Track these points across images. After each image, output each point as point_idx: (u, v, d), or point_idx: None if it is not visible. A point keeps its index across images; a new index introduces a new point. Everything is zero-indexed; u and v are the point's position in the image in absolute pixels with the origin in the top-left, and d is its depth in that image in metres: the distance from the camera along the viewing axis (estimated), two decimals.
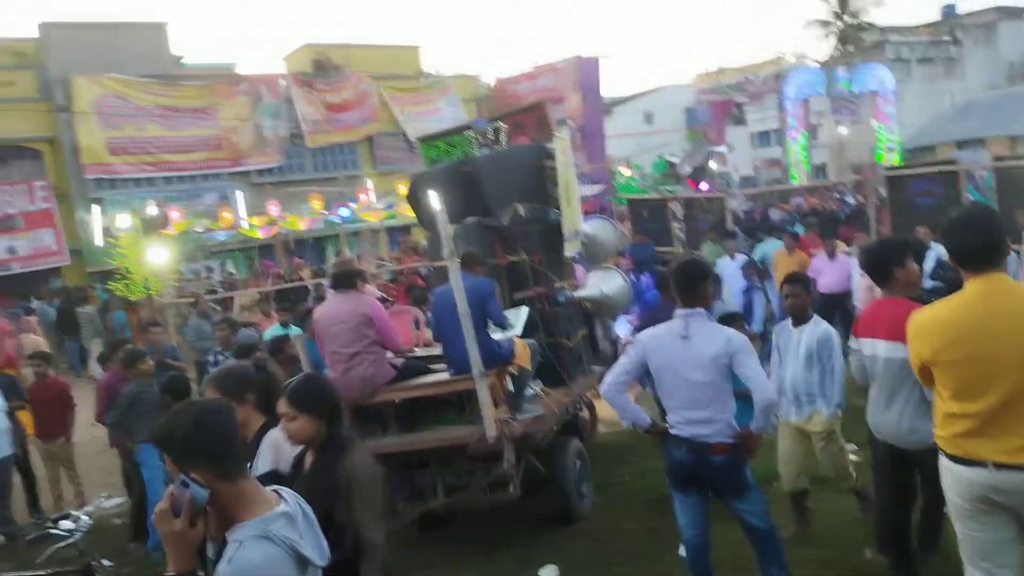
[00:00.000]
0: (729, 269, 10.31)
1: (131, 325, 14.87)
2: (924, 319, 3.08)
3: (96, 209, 20.85)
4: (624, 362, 4.02)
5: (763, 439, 3.96)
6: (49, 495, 7.81)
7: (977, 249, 2.92)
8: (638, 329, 8.95)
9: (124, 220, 17.62)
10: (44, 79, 22.69)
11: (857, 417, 7.07)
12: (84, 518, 4.23)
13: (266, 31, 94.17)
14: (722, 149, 25.24)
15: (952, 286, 8.46)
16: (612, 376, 3.99)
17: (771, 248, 11.55)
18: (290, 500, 2.13)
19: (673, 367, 3.81)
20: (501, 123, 8.04)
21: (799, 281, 5.13)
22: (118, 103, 23.06)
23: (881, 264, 3.95)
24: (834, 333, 4.90)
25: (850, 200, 20.27)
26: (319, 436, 3.04)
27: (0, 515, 7.10)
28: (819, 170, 35.77)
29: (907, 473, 4.06)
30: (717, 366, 3.73)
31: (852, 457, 6.39)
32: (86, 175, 22.61)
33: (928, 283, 7.39)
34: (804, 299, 5.03)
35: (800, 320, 4.97)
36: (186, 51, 35.03)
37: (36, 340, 11.99)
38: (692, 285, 3.87)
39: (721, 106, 35.71)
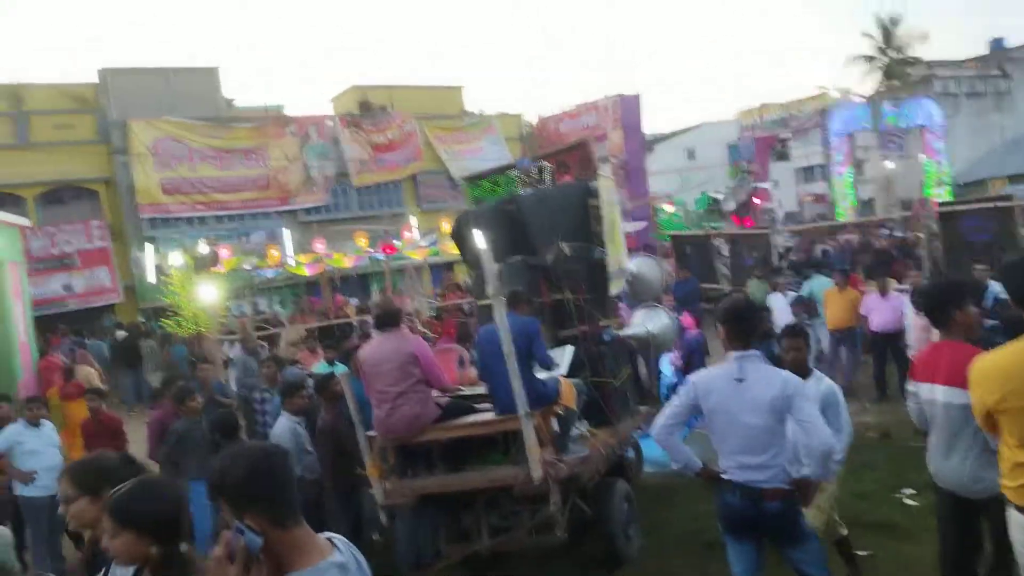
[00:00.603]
0: (779, 305, 10.16)
1: (190, 360, 15.17)
2: (988, 365, 2.97)
3: (149, 248, 21.42)
4: (676, 404, 3.95)
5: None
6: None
7: None
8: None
9: (176, 258, 18.07)
10: (102, 122, 23.58)
11: (914, 460, 6.88)
12: None
13: (315, 73, 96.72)
14: (766, 185, 24.99)
15: (1011, 324, 8.19)
16: (663, 418, 3.92)
17: (820, 285, 11.35)
18: (344, 549, 2.11)
19: (727, 411, 3.73)
20: (545, 162, 8.08)
21: (799, 334, 4.90)
22: (173, 145, 23.84)
23: (940, 306, 3.83)
24: (837, 390, 4.63)
25: (898, 234, 19.91)
26: (151, 558, 2.33)
27: (52, 551, 7.19)
28: (866, 205, 35.23)
29: (972, 522, 3.90)
30: (774, 410, 3.64)
31: (908, 501, 6.19)
32: (141, 214, 23.33)
33: (987, 322, 7.15)
34: (804, 354, 4.83)
35: (800, 377, 4.41)
36: (237, 93, 36.06)
37: (90, 372, 12.27)
38: (741, 325, 3.81)
39: (765, 141, 35.48)
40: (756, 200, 23.17)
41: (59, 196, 23.19)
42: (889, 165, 33.56)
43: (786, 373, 3.78)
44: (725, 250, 18.41)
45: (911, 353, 8.78)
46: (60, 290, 21.26)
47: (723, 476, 3.83)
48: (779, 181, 29.95)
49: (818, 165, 38.25)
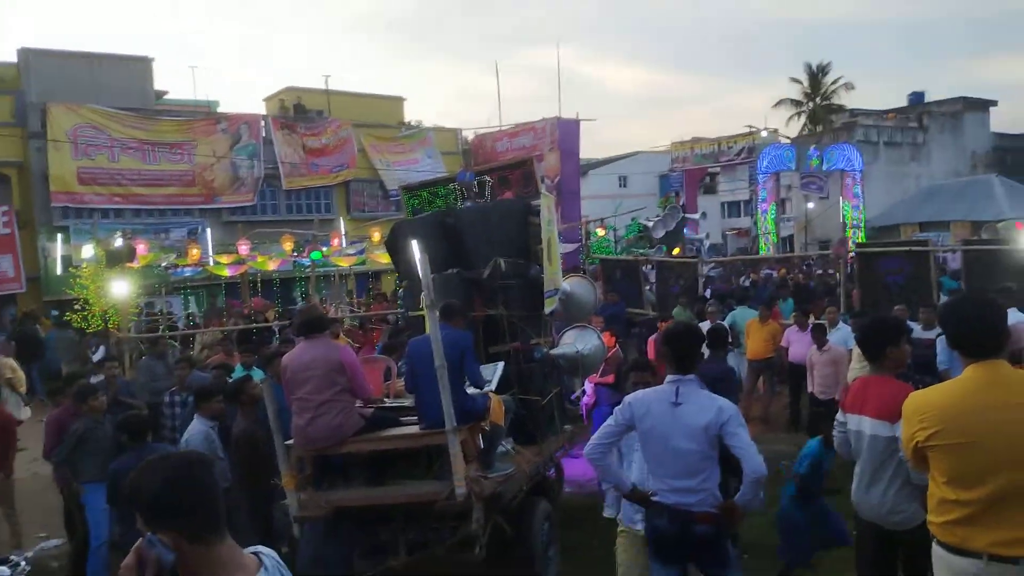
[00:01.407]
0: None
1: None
2: (922, 402, 3.02)
3: (59, 238, 20.37)
4: (611, 424, 3.89)
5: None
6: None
7: (978, 336, 2.90)
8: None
9: (88, 250, 17.21)
10: (20, 104, 22.39)
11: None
12: (22, 563, 3.93)
13: (254, 73, 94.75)
14: (695, 216, 25.59)
15: (922, 364, 8.44)
16: (597, 438, 3.86)
17: (744, 316, 11.62)
18: (271, 567, 1.95)
19: (662, 434, 3.71)
20: (486, 177, 8.02)
21: (646, 368, 4.55)
22: (94, 133, 22.79)
23: (875, 342, 3.90)
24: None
25: (818, 271, 20.60)
26: None
27: None
28: (786, 242, 36.46)
29: (890, 553, 3.96)
30: (707, 436, 3.63)
31: None
32: (53, 203, 22.17)
33: None
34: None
35: None
36: (172, 87, 34.86)
37: (10, 363, 11.54)
38: (686, 350, 3.80)
39: (694, 174, 36.42)
40: (685, 230, 23.68)
41: None
42: (810, 205, 34.89)
43: (722, 400, 3.77)
44: (652, 276, 18.70)
45: (811, 386, 9.13)
46: None
47: (653, 499, 3.79)
48: (706, 213, 30.76)
49: (744, 201, 39.49)
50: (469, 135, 32.24)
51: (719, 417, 3.62)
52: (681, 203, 28.58)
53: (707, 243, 24.24)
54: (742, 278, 21.40)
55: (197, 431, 6.31)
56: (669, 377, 3.81)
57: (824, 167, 32.37)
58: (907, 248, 12.44)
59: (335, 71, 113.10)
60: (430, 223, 7.09)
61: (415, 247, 6.06)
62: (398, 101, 31.73)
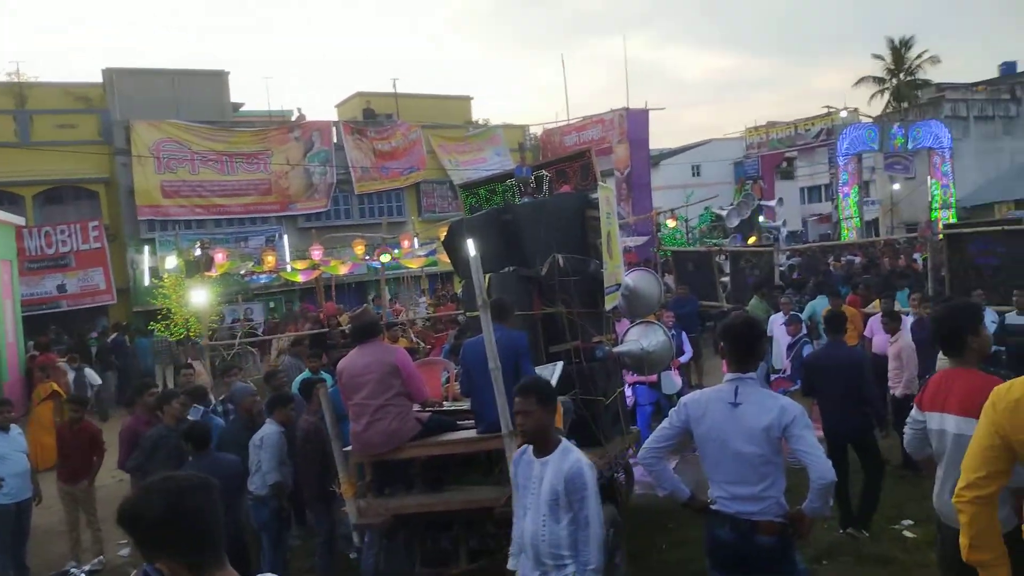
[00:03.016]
0: (780, 324, 9.95)
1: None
2: (1015, 395, 2.70)
3: (146, 250, 21.22)
4: (665, 427, 3.67)
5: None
6: (68, 539, 7.61)
7: None
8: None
9: (171, 261, 17.82)
10: (106, 123, 23.43)
11: (911, 490, 6.60)
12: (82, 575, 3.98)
13: (325, 81, 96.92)
14: (771, 203, 24.71)
15: (1018, 351, 7.85)
16: (651, 441, 3.65)
17: (821, 306, 11.09)
18: None
19: (720, 437, 3.46)
20: (544, 171, 7.85)
21: (531, 391, 3.49)
22: (175, 147, 23.67)
23: (955, 331, 3.55)
24: (586, 468, 3.44)
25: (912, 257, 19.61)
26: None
27: (15, 562, 6.90)
28: (871, 226, 34.94)
29: None
30: (769, 438, 3.37)
31: (907, 534, 5.93)
32: (139, 216, 23.13)
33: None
34: (539, 419, 3.48)
35: (542, 449, 3.53)
36: (247, 98, 35.95)
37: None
38: (745, 346, 3.54)
39: (771, 159, 35.31)
40: (760, 218, 22.90)
41: (58, 195, 23.02)
42: (895, 187, 33.31)
43: (785, 400, 3.50)
44: (727, 267, 18.14)
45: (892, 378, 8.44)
46: (53, 290, 20.98)
47: (712, 507, 3.56)
48: (784, 200, 29.59)
49: (824, 185, 38.03)
50: (537, 131, 32.13)
51: (782, 418, 3.36)
52: (758, 189, 27.73)
53: (785, 230, 23.30)
54: (821, 266, 20.53)
55: (273, 430, 6.47)
56: (727, 375, 3.56)
57: (910, 146, 30.86)
58: (1001, 227, 11.66)
59: (402, 74, 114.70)
60: (487, 220, 6.96)
61: (469, 245, 5.95)
62: (465, 100, 31.89)
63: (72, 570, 3.72)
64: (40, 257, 20.78)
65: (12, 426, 6.99)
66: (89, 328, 20.40)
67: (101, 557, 7.34)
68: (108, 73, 24.86)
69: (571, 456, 3.49)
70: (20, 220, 18.59)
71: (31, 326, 17.98)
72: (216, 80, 26.76)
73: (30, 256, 20.33)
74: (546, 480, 3.46)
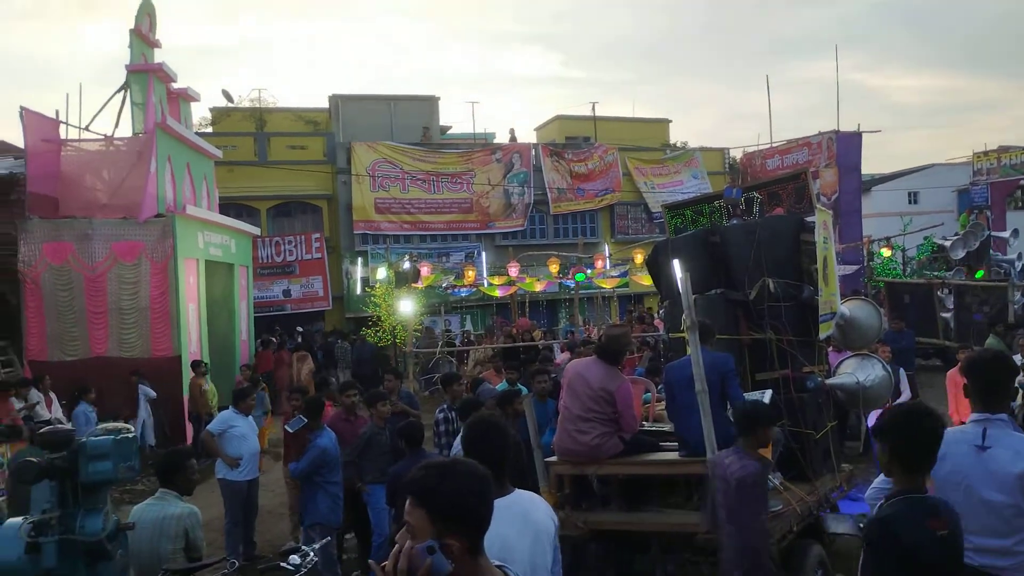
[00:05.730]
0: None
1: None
2: None
3: (359, 261, 22.98)
4: None
5: None
6: (290, 520, 8.32)
7: None
8: None
9: (381, 272, 19.13)
10: (330, 144, 25.64)
11: None
12: (311, 555, 4.34)
13: (525, 106, 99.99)
14: (1004, 235, 22.32)
15: None
16: (881, 482, 3.40)
17: None
18: None
19: (964, 482, 3.16)
20: (755, 193, 7.61)
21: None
22: (388, 167, 25.43)
23: None
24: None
25: None
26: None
27: (246, 536, 7.64)
28: None
29: None
30: (1023, 487, 3.04)
31: None
32: (354, 230, 25.05)
33: None
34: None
35: None
36: (455, 122, 37.97)
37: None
38: (995, 383, 3.23)
39: (1002, 187, 31.95)
40: (991, 250, 20.74)
41: (287, 209, 25.43)
42: None
43: None
44: (950, 302, 16.60)
45: None
46: (279, 294, 23.21)
47: None
48: (1019, 231, 26.54)
49: None
50: (737, 154, 31.20)
51: None
52: (985, 219, 25.15)
53: (1019, 264, 20.95)
54: None
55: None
56: (973, 415, 3.25)
57: None
58: None
59: (601, 98, 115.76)
60: (693, 242, 6.84)
61: (676, 266, 5.89)
62: (663, 124, 31.64)
63: (304, 547, 4.08)
64: (270, 264, 23.10)
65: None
66: (310, 331, 22.32)
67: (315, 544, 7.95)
68: (334, 99, 27.20)
69: None
70: (256, 230, 20.75)
71: (258, 326, 19.97)
72: (428, 105, 28.45)
73: (262, 263, 22.63)
74: None
